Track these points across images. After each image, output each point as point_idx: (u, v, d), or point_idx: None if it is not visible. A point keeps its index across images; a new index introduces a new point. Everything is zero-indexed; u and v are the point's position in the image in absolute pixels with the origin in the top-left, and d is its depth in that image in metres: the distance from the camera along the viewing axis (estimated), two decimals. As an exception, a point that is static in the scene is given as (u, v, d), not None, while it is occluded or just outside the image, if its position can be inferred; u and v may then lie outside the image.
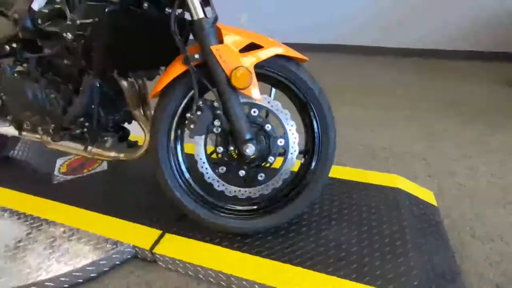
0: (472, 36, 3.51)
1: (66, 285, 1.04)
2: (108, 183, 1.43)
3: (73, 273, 1.04)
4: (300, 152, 1.09)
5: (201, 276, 1.05)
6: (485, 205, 1.40)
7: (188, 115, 0.93)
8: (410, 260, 1.00)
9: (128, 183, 1.43)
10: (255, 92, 0.92)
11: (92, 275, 1.07)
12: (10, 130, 1.24)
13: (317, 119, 1.03)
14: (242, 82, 0.89)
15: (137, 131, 1.24)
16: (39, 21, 0.94)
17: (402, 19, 3.68)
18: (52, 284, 1.02)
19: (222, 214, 1.08)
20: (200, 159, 1.02)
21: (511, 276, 1.06)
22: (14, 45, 1.06)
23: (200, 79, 0.92)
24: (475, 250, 1.17)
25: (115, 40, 0.92)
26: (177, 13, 0.92)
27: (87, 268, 1.06)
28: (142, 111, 1.16)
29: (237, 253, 1.06)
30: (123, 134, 1.25)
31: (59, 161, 1.58)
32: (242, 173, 1.03)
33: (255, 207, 1.12)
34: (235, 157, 1.01)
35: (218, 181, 1.04)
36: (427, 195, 1.36)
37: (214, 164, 1.03)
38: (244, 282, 0.98)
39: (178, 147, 1.05)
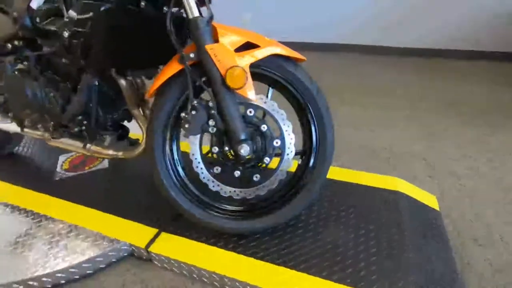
0: (472, 36, 3.47)
1: (63, 281, 1.05)
2: (108, 180, 1.44)
3: (70, 269, 1.05)
4: (297, 153, 1.08)
5: (195, 276, 1.05)
6: (485, 205, 1.37)
7: (182, 114, 0.93)
8: (408, 265, 0.98)
9: (128, 181, 1.44)
10: (250, 92, 0.91)
11: (88, 271, 1.08)
12: (12, 127, 1.26)
13: (315, 119, 1.01)
14: (237, 82, 0.88)
15: (138, 129, 1.25)
16: (38, 19, 0.95)
17: (402, 18, 3.65)
18: (49, 279, 1.03)
19: (217, 214, 1.07)
20: (195, 159, 1.01)
21: (512, 278, 1.03)
22: (15, 43, 1.07)
23: (195, 79, 0.91)
24: (475, 251, 1.14)
25: (112, 39, 0.92)
26: (174, 12, 0.92)
27: (84, 265, 1.07)
28: (141, 110, 1.16)
29: (231, 254, 1.05)
30: (123, 133, 1.25)
31: (61, 158, 1.61)
32: (237, 173, 1.02)
33: (251, 207, 1.11)
34: (231, 157, 1.00)
35: (213, 181, 1.03)
36: (429, 199, 1.33)
37: (209, 164, 1.03)
38: (237, 283, 0.98)
39: (174, 147, 1.05)
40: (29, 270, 1.02)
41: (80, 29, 0.88)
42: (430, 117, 2.27)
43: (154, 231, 1.15)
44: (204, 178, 1.03)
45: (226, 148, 0.98)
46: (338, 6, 3.81)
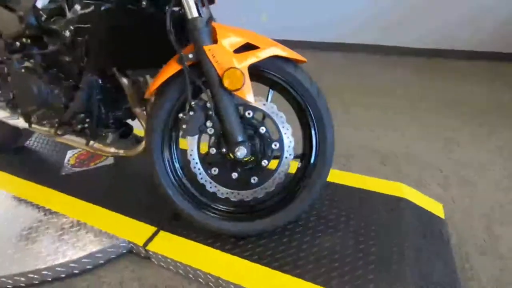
0: (472, 36, 3.41)
1: (63, 275, 1.08)
2: (112, 177, 1.46)
3: (70, 264, 1.07)
4: (297, 156, 1.06)
5: (191, 276, 1.05)
6: (499, 219, 1.30)
7: (180, 115, 0.93)
8: (407, 275, 0.95)
9: (132, 179, 1.45)
10: (248, 93, 0.90)
11: (88, 267, 1.10)
12: (21, 123, 1.30)
13: (315, 121, 0.99)
14: (234, 83, 0.87)
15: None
16: (42, 18, 0.97)
17: (402, 18, 3.61)
18: (49, 273, 1.06)
19: (214, 215, 1.07)
20: (193, 159, 1.01)
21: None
22: (22, 41, 1.09)
23: (194, 79, 0.91)
24: (482, 266, 1.09)
25: (112, 38, 0.93)
26: (176, 12, 0.92)
27: (83, 260, 1.09)
28: (143, 109, 1.17)
29: (228, 256, 1.05)
30: (126, 130, 1.27)
31: (69, 153, 1.64)
32: (234, 175, 1.01)
33: (249, 209, 1.10)
34: (228, 159, 1.00)
35: (210, 182, 1.03)
36: (435, 207, 1.29)
37: (207, 164, 1.02)
38: (231, 286, 0.97)
39: (173, 146, 1.05)
40: (31, 263, 1.05)
41: (80, 29, 0.89)
42: (431, 117, 2.24)
43: (153, 229, 1.16)
44: (201, 178, 1.03)
45: (224, 150, 0.97)
46: (338, 5, 3.81)
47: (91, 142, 1.18)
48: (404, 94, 2.68)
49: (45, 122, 1.20)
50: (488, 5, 3.24)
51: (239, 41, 0.90)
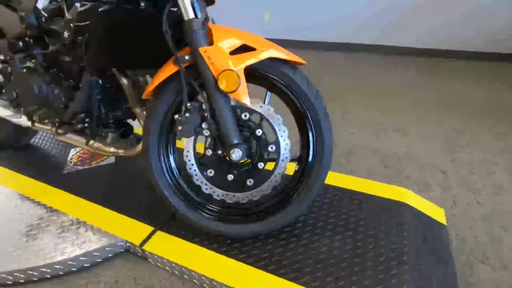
0: (473, 36, 3.40)
1: (61, 272, 1.09)
2: (112, 176, 1.48)
3: (68, 262, 1.09)
4: (294, 159, 1.05)
5: (186, 277, 1.06)
6: (504, 227, 1.27)
7: (176, 116, 0.93)
8: (404, 282, 0.93)
9: (132, 178, 1.46)
10: (244, 95, 0.89)
11: (85, 265, 1.11)
12: (24, 121, 1.32)
13: (312, 125, 0.98)
14: (230, 85, 0.86)
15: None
16: (43, 19, 0.98)
17: (403, 18, 3.62)
18: (47, 270, 1.07)
19: (210, 216, 1.07)
20: (189, 161, 1.01)
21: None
22: (25, 41, 1.11)
23: (189, 81, 0.90)
24: (484, 277, 1.06)
25: (111, 39, 0.93)
26: (172, 12, 0.91)
27: (81, 258, 1.10)
28: (143, 109, 1.17)
29: (223, 258, 1.05)
30: (126, 130, 1.27)
31: (72, 152, 1.66)
32: (230, 177, 1.01)
33: (245, 212, 1.09)
34: (224, 160, 0.99)
35: (206, 184, 1.03)
36: (436, 213, 1.26)
37: (203, 166, 1.02)
38: (225, 288, 0.97)
39: (170, 147, 1.05)
40: (30, 261, 1.07)
41: (79, 29, 0.89)
42: (432, 117, 2.21)
43: (150, 229, 1.17)
44: (197, 180, 1.03)
45: (219, 152, 0.97)
46: (339, 5, 3.83)
47: (91, 142, 1.19)
48: (405, 94, 2.66)
49: (46, 121, 1.22)
50: (488, 5, 3.22)
51: (235, 42, 0.90)
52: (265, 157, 0.99)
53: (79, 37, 0.91)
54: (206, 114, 0.92)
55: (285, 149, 0.99)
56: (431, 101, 2.49)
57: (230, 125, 0.92)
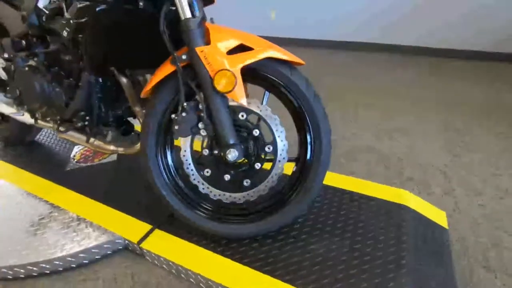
0: (477, 36, 3.38)
1: (60, 268, 1.11)
2: (114, 174, 1.49)
3: (67, 258, 1.10)
4: (292, 160, 1.05)
5: (183, 276, 1.06)
6: (507, 230, 1.24)
7: (173, 116, 0.93)
8: (402, 286, 0.92)
9: (132, 176, 1.47)
10: (240, 96, 0.89)
11: (84, 261, 1.13)
12: (27, 119, 1.34)
13: (310, 126, 0.97)
14: (226, 85, 0.86)
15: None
16: (44, 18, 0.99)
17: (404, 17, 3.63)
18: (47, 266, 1.09)
19: (207, 216, 1.07)
20: (186, 160, 1.01)
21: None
22: (27, 39, 1.12)
23: (186, 81, 0.90)
24: (486, 282, 1.04)
25: (109, 38, 0.94)
26: (170, 12, 0.91)
27: (80, 254, 1.11)
28: (143, 108, 1.18)
29: (219, 257, 1.05)
30: (127, 128, 1.28)
31: (75, 149, 1.68)
32: (227, 177, 1.00)
33: (242, 212, 1.09)
34: (221, 161, 0.99)
35: (203, 184, 1.03)
36: (437, 215, 1.24)
37: (200, 165, 1.02)
38: (220, 288, 0.97)
39: (168, 146, 1.06)
40: (30, 256, 1.09)
41: (77, 29, 0.90)
42: (433, 117, 2.19)
43: (148, 227, 1.17)
44: (194, 179, 1.03)
45: (216, 152, 0.97)
46: (339, 4, 3.85)
47: (92, 140, 1.21)
48: (405, 94, 2.64)
49: (48, 118, 1.23)
50: (488, 5, 3.22)
51: (233, 42, 0.89)
52: (262, 157, 0.99)
53: (78, 36, 0.92)
54: (202, 114, 0.91)
55: (283, 150, 0.99)
56: (432, 101, 2.47)
57: (226, 125, 0.92)
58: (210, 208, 1.08)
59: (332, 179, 1.38)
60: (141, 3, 0.94)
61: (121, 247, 1.17)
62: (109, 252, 1.16)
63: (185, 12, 0.85)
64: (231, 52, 0.90)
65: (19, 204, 1.32)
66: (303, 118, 0.97)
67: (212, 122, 0.92)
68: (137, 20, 0.96)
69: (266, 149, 0.98)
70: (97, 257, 1.14)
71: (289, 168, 1.11)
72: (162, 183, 1.05)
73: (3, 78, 1.31)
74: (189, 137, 1.00)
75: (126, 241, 1.16)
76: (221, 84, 0.86)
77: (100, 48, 0.94)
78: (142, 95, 1.00)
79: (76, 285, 1.07)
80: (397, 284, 0.92)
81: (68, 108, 1.11)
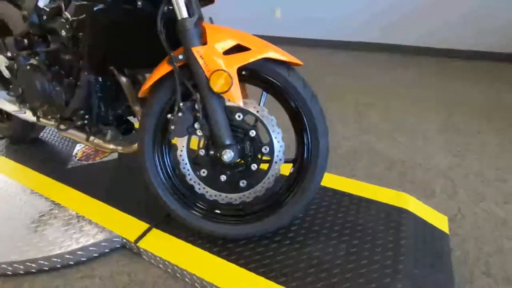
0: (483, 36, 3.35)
1: (58, 265, 1.12)
2: (114, 172, 1.50)
3: (65, 255, 1.11)
4: (290, 161, 1.04)
5: (178, 276, 1.06)
6: (508, 234, 1.22)
7: (169, 115, 0.93)
8: (398, 291, 0.90)
9: (133, 175, 1.48)
10: (236, 96, 0.88)
11: (82, 259, 1.14)
12: (29, 117, 1.35)
13: (308, 127, 0.96)
14: (221, 85, 0.85)
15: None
16: (43, 17, 1.00)
17: (404, 17, 3.63)
18: (45, 262, 1.10)
19: (202, 216, 1.07)
20: (183, 160, 1.01)
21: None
22: (29, 38, 1.14)
23: (183, 81, 0.90)
24: (484, 284, 1.02)
25: (107, 38, 0.94)
26: (168, 11, 0.91)
27: (78, 252, 1.12)
28: (142, 107, 1.18)
29: (215, 258, 1.04)
30: (127, 127, 1.29)
31: (77, 147, 1.70)
32: (223, 177, 1.00)
33: (238, 212, 1.09)
34: (218, 161, 0.99)
35: (199, 184, 1.03)
36: (439, 220, 1.22)
37: (196, 166, 1.02)
38: (215, 289, 0.97)
39: (165, 146, 1.06)
40: (30, 252, 1.10)
41: (75, 28, 0.90)
42: (459, 125, 2.12)
43: (145, 226, 1.18)
44: (190, 179, 1.03)
45: (212, 152, 0.96)
46: (340, 4, 3.86)
47: (91, 138, 1.22)
48: (406, 94, 2.61)
49: (49, 117, 1.25)
50: (490, 6, 3.21)
51: (229, 42, 0.89)
52: (259, 158, 0.98)
53: (76, 36, 0.93)
54: (198, 114, 0.91)
55: (279, 151, 0.98)
56: (433, 101, 2.44)
57: (222, 126, 0.91)
58: (206, 208, 1.08)
59: (331, 180, 1.36)
60: (139, 3, 0.94)
61: (118, 246, 1.18)
62: (107, 250, 1.17)
63: (182, 12, 0.85)
64: (228, 52, 0.89)
65: (20, 200, 1.34)
66: (300, 119, 0.96)
67: (208, 122, 0.92)
68: (136, 19, 0.96)
69: (263, 150, 0.98)
70: (95, 255, 1.15)
71: (286, 169, 1.10)
72: (158, 183, 1.05)
73: (6, 76, 1.33)
74: (186, 137, 0.99)
75: (124, 240, 1.16)
76: (217, 85, 0.86)
77: (98, 48, 0.94)
78: (140, 94, 1.00)
79: (74, 282, 1.08)
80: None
81: (68, 106, 1.12)
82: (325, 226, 1.14)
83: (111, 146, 1.21)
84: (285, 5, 4.09)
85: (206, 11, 1.01)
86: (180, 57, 0.90)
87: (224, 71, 0.85)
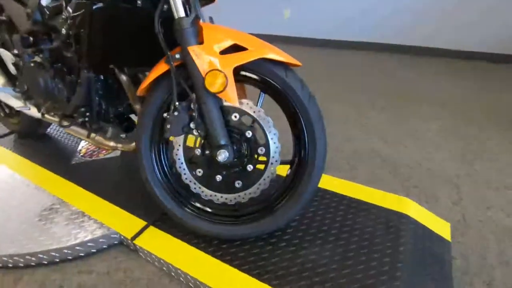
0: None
1: (57, 260, 1.14)
2: (116, 169, 1.52)
3: (64, 250, 1.13)
4: (286, 162, 1.03)
5: (173, 274, 1.06)
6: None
7: (165, 114, 0.93)
8: (393, 299, 0.88)
9: (134, 172, 1.50)
10: (232, 96, 0.87)
11: (80, 254, 1.15)
12: (34, 113, 1.38)
13: (305, 128, 0.95)
14: (216, 85, 0.85)
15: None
16: (46, 16, 1.01)
17: (409, 18, 3.61)
18: (44, 256, 1.12)
19: (198, 215, 1.07)
20: (179, 159, 1.01)
21: None
22: (34, 36, 1.16)
23: (179, 80, 0.90)
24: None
25: (106, 37, 0.95)
26: (166, 11, 0.91)
27: (76, 247, 1.14)
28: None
29: (209, 258, 1.04)
30: (129, 125, 1.30)
31: (82, 143, 1.73)
32: (219, 177, 1.00)
33: (234, 213, 1.08)
34: (213, 161, 0.98)
35: (195, 183, 1.03)
36: (440, 226, 1.18)
37: (192, 165, 1.02)
38: (207, 289, 0.97)
39: (162, 144, 1.06)
40: (30, 246, 1.12)
41: (75, 27, 0.91)
42: (467, 129, 2.06)
43: (143, 223, 1.19)
44: (186, 179, 1.03)
45: (207, 152, 0.96)
46: (341, 4, 3.86)
47: (92, 135, 1.23)
48: (415, 97, 2.55)
49: (53, 113, 1.27)
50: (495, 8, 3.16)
51: (226, 42, 0.88)
52: (255, 159, 0.97)
53: (76, 34, 0.94)
54: (194, 114, 0.91)
55: (275, 152, 0.97)
56: (439, 103, 2.38)
57: (217, 126, 0.91)
58: (202, 208, 1.08)
59: (331, 183, 1.35)
60: (139, 2, 0.95)
61: (116, 242, 1.19)
62: (104, 247, 1.18)
63: (179, 11, 0.85)
64: (225, 51, 0.88)
65: (24, 194, 1.37)
66: (298, 120, 0.95)
67: (203, 122, 0.91)
68: (135, 18, 0.97)
69: (259, 151, 0.97)
70: (92, 250, 1.17)
71: (283, 171, 1.09)
72: (155, 181, 1.05)
73: (13, 73, 1.36)
74: (182, 136, 0.99)
75: (122, 237, 1.17)
76: (212, 84, 0.85)
77: (97, 46, 0.95)
78: (138, 93, 1.01)
79: (71, 277, 1.09)
80: (389, 296, 0.89)
81: (70, 103, 1.13)
82: (322, 229, 1.13)
83: (111, 144, 1.22)
84: (289, 5, 4.09)
85: (207, 11, 1.00)
86: (177, 56, 0.90)
87: (220, 71, 0.84)
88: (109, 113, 1.20)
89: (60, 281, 1.08)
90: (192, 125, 0.93)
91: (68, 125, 1.24)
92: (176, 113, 0.91)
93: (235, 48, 0.89)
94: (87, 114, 1.16)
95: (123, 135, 1.23)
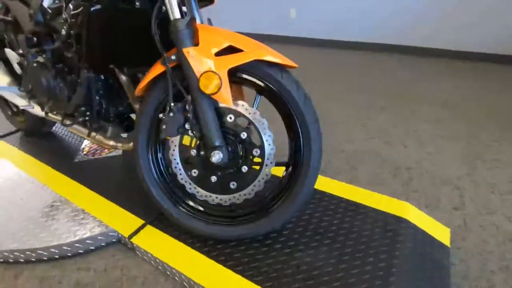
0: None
1: (56, 256, 1.16)
2: (117, 168, 1.54)
3: (63, 247, 1.15)
4: (281, 164, 1.02)
5: (168, 273, 1.07)
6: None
7: (160, 115, 0.94)
8: (386, 305, 0.87)
9: (133, 171, 1.49)
10: (226, 98, 0.88)
11: (79, 251, 1.17)
12: (38, 112, 1.41)
13: (300, 130, 0.95)
14: (210, 87, 0.85)
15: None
16: (48, 16, 1.03)
17: (409, 19, 3.54)
18: (44, 252, 1.14)
19: (193, 215, 1.07)
20: (175, 159, 1.02)
21: None
22: (38, 36, 1.18)
23: (175, 82, 0.91)
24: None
25: (104, 38, 0.96)
26: (163, 12, 0.92)
27: (75, 244, 1.16)
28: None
29: (204, 258, 1.05)
30: (129, 124, 1.32)
31: (85, 142, 1.76)
32: (214, 178, 1.00)
33: (230, 214, 1.09)
34: (208, 162, 0.99)
35: (190, 184, 1.03)
36: (440, 231, 1.16)
37: (188, 165, 1.03)
38: (201, 289, 0.97)
39: (159, 144, 1.07)
40: (29, 242, 1.15)
41: (73, 28, 0.93)
42: (471, 130, 2.02)
43: (141, 222, 1.20)
44: (182, 179, 1.04)
45: (202, 153, 0.97)
46: (341, 4, 3.83)
47: (93, 134, 1.25)
48: (417, 98, 2.51)
49: (55, 112, 1.29)
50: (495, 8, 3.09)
51: (222, 43, 0.88)
52: (250, 160, 0.97)
53: (75, 35, 0.95)
54: (189, 115, 0.91)
55: (270, 154, 0.97)
56: (440, 104, 2.34)
57: (212, 127, 0.91)
58: (198, 208, 1.08)
59: (329, 185, 1.34)
60: (137, 3, 0.96)
61: (115, 240, 1.21)
62: (103, 244, 1.20)
63: (174, 13, 0.86)
64: (221, 53, 0.89)
65: (26, 191, 1.40)
66: (293, 121, 0.95)
67: (198, 123, 0.92)
68: (134, 19, 0.98)
69: (254, 152, 0.97)
70: (91, 248, 1.19)
71: (280, 172, 1.09)
72: (151, 181, 1.06)
73: (18, 72, 1.39)
74: (178, 137, 1.00)
75: (119, 235, 1.19)
76: (206, 86, 0.85)
77: (96, 47, 0.96)
78: (136, 93, 1.02)
79: (70, 274, 1.12)
80: (383, 302, 0.88)
81: (70, 103, 1.15)
82: (319, 232, 1.12)
83: (111, 143, 1.24)
84: (292, 5, 4.08)
85: (207, 11, 1.01)
86: (173, 57, 0.90)
87: (214, 72, 0.84)
88: (109, 113, 1.21)
89: (59, 277, 1.10)
90: (187, 126, 0.93)
91: (69, 124, 1.27)
92: (171, 114, 0.92)
93: (231, 50, 0.89)
94: (88, 113, 1.18)
95: (123, 135, 1.25)
